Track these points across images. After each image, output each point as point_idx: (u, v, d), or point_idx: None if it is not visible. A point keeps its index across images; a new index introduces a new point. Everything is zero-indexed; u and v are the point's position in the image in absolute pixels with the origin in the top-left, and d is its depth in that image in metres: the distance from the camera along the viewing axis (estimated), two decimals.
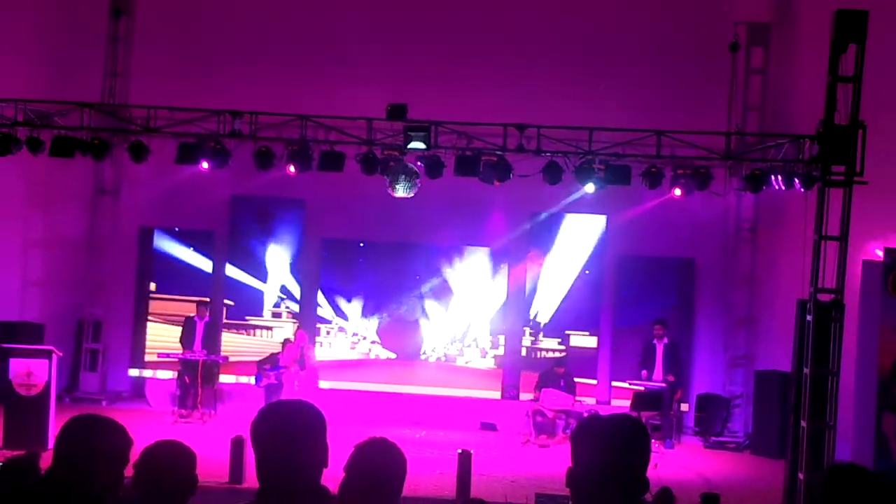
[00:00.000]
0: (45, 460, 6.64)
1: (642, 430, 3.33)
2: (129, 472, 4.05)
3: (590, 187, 14.19)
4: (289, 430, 3.46)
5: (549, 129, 13.60)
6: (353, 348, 17.46)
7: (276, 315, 17.49)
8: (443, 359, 17.35)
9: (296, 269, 17.45)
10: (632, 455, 3.24)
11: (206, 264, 17.45)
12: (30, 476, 5.55)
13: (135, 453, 4.03)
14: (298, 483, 3.44)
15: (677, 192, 13.97)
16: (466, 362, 17.31)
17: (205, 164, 14.27)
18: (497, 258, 17.35)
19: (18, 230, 17.31)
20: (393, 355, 17.46)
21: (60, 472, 3.79)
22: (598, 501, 3.21)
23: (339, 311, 17.44)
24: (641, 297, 17.08)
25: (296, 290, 17.44)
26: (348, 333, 17.46)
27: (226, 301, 17.37)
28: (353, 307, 17.45)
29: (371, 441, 3.73)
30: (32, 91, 14.51)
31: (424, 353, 17.40)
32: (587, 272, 17.13)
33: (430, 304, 17.36)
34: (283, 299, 17.46)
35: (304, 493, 3.45)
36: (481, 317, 17.33)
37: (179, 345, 16.31)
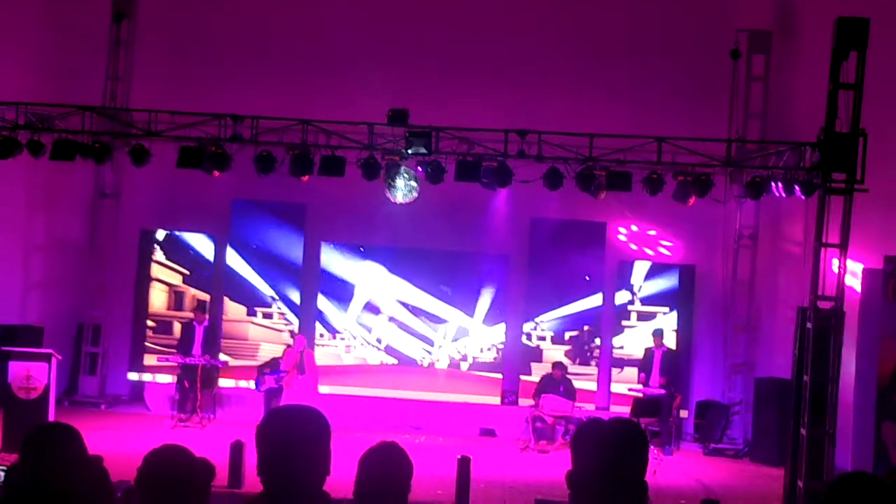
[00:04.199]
0: None
1: (640, 435, 3.36)
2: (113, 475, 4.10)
3: (600, 195, 14.20)
4: (296, 435, 3.48)
5: (550, 135, 13.61)
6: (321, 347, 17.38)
7: (268, 315, 17.53)
8: (468, 361, 17.32)
9: (296, 273, 17.46)
10: (630, 459, 3.25)
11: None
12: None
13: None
14: (301, 487, 3.45)
15: (691, 201, 13.93)
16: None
17: (216, 173, 14.25)
18: (498, 263, 17.34)
19: (19, 233, 17.31)
20: (393, 360, 17.45)
21: (24, 481, 3.87)
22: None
23: (333, 318, 17.47)
24: (641, 302, 17.09)
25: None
26: (339, 337, 17.44)
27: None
28: (352, 311, 17.45)
29: (382, 445, 3.88)
30: (34, 94, 14.52)
31: (424, 358, 17.39)
32: (588, 278, 17.14)
33: (431, 308, 17.34)
34: (274, 300, 17.49)
35: (306, 497, 3.46)
36: (482, 321, 17.31)
37: (177, 351, 16.31)
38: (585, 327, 17.26)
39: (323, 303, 17.46)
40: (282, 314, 17.44)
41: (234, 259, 17.42)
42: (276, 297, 17.43)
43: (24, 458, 4.06)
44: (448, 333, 17.33)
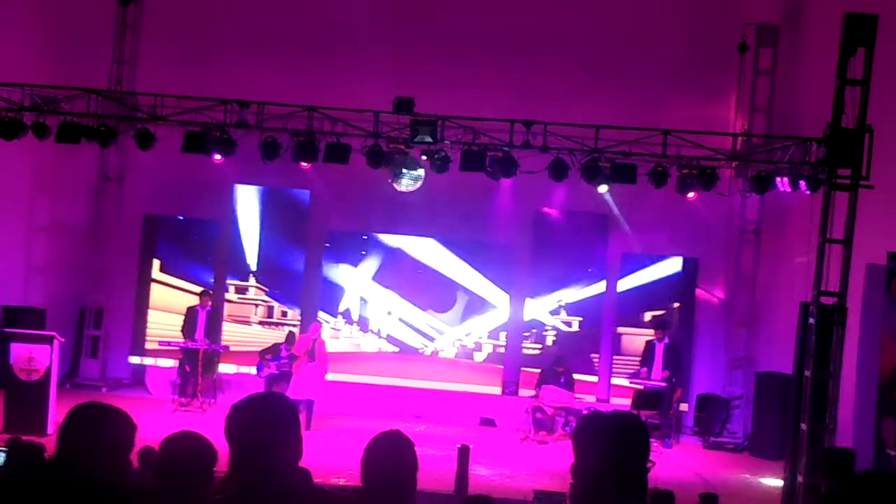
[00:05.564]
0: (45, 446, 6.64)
1: (642, 428, 3.35)
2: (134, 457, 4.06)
3: (603, 188, 14.22)
4: (260, 424, 3.51)
5: (556, 126, 13.59)
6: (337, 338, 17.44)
7: (242, 290, 17.53)
8: (482, 352, 17.30)
9: (299, 261, 17.48)
10: (632, 451, 3.25)
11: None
12: (35, 464, 5.55)
13: (139, 440, 4.04)
14: (273, 474, 3.48)
15: (690, 195, 13.93)
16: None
17: (217, 157, 14.28)
18: (500, 253, 17.33)
19: (23, 215, 17.31)
20: (395, 349, 17.47)
21: (65, 460, 3.77)
22: (600, 496, 3.21)
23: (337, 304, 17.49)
24: (643, 295, 17.08)
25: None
26: (333, 323, 17.46)
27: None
28: (354, 299, 17.47)
29: (388, 433, 4.01)
30: (39, 76, 14.52)
31: (425, 346, 17.41)
32: (590, 270, 17.15)
33: (433, 298, 17.35)
34: (253, 272, 17.49)
35: (279, 484, 3.47)
36: (485, 311, 17.31)
37: (181, 334, 16.31)
38: (676, 304, 17.12)
39: (326, 285, 17.50)
40: (260, 288, 17.44)
41: (234, 236, 17.50)
42: (254, 271, 17.42)
43: (72, 433, 3.84)
44: (459, 313, 17.32)
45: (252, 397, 3.73)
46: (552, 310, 17.19)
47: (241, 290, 17.47)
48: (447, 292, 17.36)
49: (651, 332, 16.24)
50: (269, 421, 3.52)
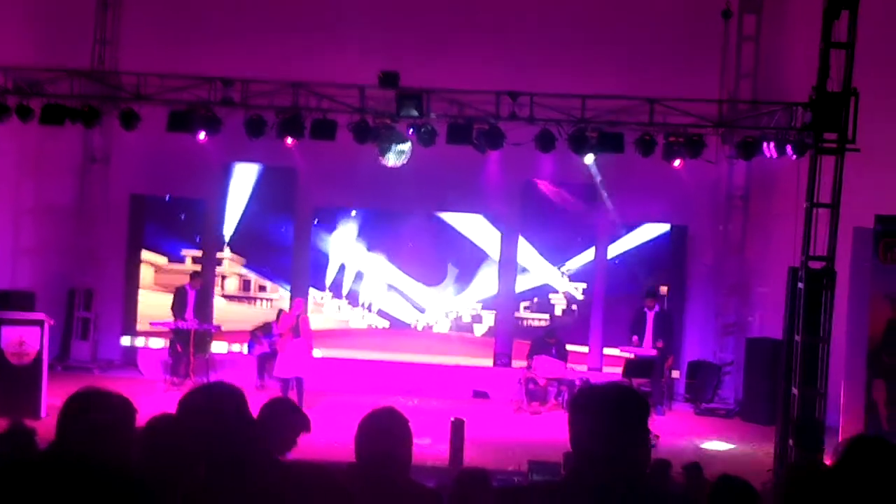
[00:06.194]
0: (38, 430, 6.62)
1: (638, 400, 3.32)
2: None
3: (589, 158, 14.20)
4: (213, 413, 3.58)
5: (542, 97, 13.54)
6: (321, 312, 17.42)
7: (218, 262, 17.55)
8: (482, 325, 17.32)
9: (287, 237, 17.47)
10: (627, 424, 3.24)
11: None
12: (28, 449, 5.51)
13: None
14: (231, 457, 3.53)
15: (676, 163, 13.92)
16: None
17: (202, 135, 14.18)
18: (491, 223, 17.33)
19: (9, 198, 17.24)
20: (386, 323, 17.48)
21: (65, 447, 3.75)
22: (594, 468, 3.20)
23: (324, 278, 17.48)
24: (633, 264, 17.11)
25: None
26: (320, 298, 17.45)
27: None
28: (344, 273, 17.46)
29: (382, 410, 4.06)
30: (21, 58, 14.41)
31: (417, 320, 17.43)
32: (579, 239, 17.17)
33: (422, 272, 17.36)
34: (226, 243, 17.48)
35: (239, 464, 3.53)
36: (475, 284, 17.33)
37: (171, 313, 16.29)
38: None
39: (315, 262, 17.50)
40: (235, 260, 17.42)
41: (221, 214, 17.46)
42: (227, 241, 17.40)
43: (73, 420, 3.80)
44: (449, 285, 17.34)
45: (194, 389, 3.80)
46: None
47: (217, 263, 17.44)
48: (438, 265, 17.36)
49: None
50: (214, 412, 3.57)
